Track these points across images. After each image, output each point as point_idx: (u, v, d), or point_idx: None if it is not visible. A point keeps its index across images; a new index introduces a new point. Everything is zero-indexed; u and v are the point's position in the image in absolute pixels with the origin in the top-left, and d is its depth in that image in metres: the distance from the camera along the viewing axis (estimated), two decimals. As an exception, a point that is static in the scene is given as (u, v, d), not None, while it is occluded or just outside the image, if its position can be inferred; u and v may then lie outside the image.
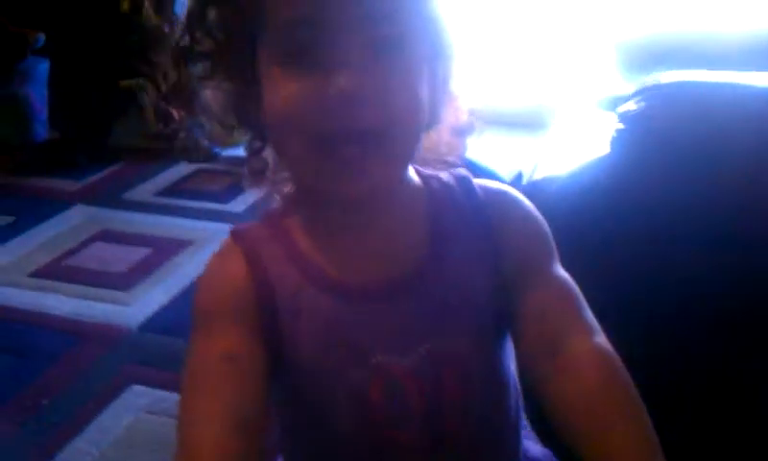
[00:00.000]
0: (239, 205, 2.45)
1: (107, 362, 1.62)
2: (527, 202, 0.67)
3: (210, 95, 0.65)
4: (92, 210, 2.40)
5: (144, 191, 2.59)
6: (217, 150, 2.89)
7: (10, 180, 2.66)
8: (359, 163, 0.57)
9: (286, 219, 0.66)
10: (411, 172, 0.66)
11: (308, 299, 0.62)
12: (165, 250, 2.13)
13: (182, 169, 2.78)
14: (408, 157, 0.63)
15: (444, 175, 0.67)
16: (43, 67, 2.89)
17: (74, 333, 1.72)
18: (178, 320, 1.79)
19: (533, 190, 1.00)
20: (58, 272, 2.01)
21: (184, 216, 2.38)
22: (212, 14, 0.61)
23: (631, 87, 1.07)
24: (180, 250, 2.13)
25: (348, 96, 0.55)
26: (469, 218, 0.64)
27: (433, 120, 0.63)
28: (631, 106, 1.00)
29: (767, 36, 1.83)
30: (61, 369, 1.59)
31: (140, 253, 2.11)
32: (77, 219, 2.33)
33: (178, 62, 0.64)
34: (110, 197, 2.52)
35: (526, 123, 2.36)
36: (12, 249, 2.12)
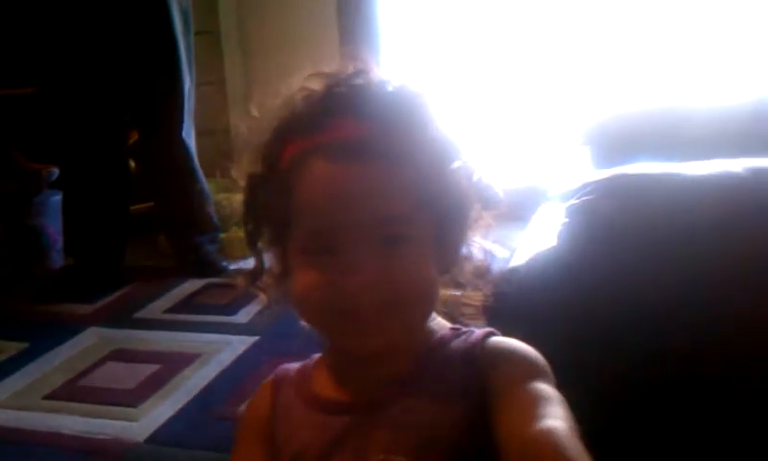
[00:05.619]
0: (243, 317, 2.54)
1: (114, 477, 1.67)
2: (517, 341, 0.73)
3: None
4: (104, 332, 2.48)
5: (155, 309, 2.67)
6: (226, 264, 2.99)
7: (25, 308, 2.76)
8: (376, 324, 0.68)
9: (315, 362, 0.79)
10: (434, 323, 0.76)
11: (297, 413, 0.76)
12: (173, 364, 2.20)
13: (193, 285, 2.87)
14: (423, 320, 0.74)
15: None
16: (57, 199, 3.04)
17: (83, 451, 1.78)
18: (183, 431, 1.85)
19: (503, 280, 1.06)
20: (71, 393, 2.08)
21: (193, 330, 2.46)
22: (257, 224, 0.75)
23: (577, 181, 1.12)
24: (188, 363, 2.20)
25: (362, 287, 0.66)
26: (457, 361, 0.72)
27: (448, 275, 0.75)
28: (574, 199, 1.06)
29: (738, 112, 1.89)
30: (71, 486, 1.65)
31: (149, 369, 2.18)
32: (90, 341, 2.41)
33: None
34: (122, 318, 2.61)
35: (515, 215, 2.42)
36: (26, 374, 2.20)
